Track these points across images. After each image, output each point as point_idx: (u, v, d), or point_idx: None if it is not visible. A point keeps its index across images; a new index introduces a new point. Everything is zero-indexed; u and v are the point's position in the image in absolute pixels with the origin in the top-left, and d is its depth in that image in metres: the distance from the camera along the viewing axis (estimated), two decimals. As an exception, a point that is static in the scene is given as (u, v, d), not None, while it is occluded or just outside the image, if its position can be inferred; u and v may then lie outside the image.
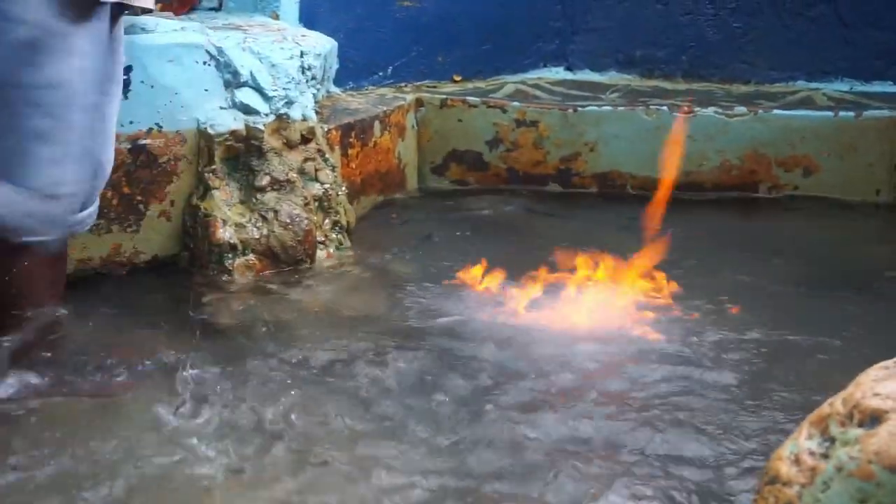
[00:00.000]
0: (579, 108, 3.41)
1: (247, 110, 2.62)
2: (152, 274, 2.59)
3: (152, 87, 2.51)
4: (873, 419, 1.22)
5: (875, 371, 1.32)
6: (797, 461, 1.28)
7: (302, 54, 2.78)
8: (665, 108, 3.38)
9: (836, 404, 1.30)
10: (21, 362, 2.01)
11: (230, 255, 2.55)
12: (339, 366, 2.13)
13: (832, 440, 1.26)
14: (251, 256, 2.57)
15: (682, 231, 2.70)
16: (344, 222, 2.79)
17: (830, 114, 3.36)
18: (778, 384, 2.07)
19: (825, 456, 1.25)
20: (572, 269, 2.57)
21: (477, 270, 2.58)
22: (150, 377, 2.07)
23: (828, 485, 1.22)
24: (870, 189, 3.32)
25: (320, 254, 2.68)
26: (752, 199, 3.33)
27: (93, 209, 2.09)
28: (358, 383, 2.05)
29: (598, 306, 2.39)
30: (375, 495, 1.66)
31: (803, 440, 1.30)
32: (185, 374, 2.07)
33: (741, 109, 3.37)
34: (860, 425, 1.24)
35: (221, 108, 2.60)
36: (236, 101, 2.62)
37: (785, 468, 1.29)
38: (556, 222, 3.12)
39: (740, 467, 1.73)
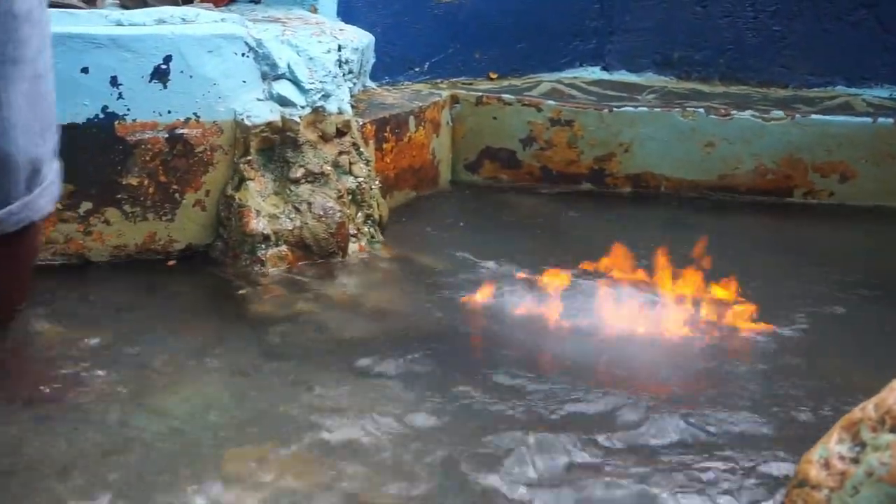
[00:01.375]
0: (615, 109, 3.40)
1: (283, 102, 2.64)
2: (186, 262, 2.61)
3: (191, 77, 2.53)
4: (905, 425, 1.22)
5: (908, 377, 1.32)
6: (827, 465, 1.28)
7: (339, 48, 2.80)
8: (702, 110, 3.37)
9: (867, 409, 1.29)
10: None
11: (263, 246, 2.57)
12: (367, 359, 2.13)
13: (863, 445, 1.26)
14: (284, 248, 2.59)
15: (715, 232, 2.69)
16: (377, 216, 2.80)
17: (869, 120, 3.33)
18: (810, 388, 2.06)
19: (855, 461, 1.25)
20: (603, 267, 2.57)
21: (510, 267, 2.59)
22: (177, 365, 2.09)
23: (857, 489, 1.22)
24: (908, 196, 3.29)
25: (352, 247, 2.70)
26: (787, 204, 3.31)
27: (15, 207, 1.96)
28: (386, 377, 2.06)
29: (626, 302, 2.39)
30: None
31: (833, 444, 1.30)
32: (214, 362, 2.10)
33: (778, 113, 3.34)
34: (892, 431, 1.24)
35: (258, 99, 2.62)
36: (273, 93, 2.63)
37: (814, 472, 1.29)
38: (589, 222, 3.11)
39: (770, 470, 1.73)
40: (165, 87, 2.52)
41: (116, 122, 2.49)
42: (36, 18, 1.97)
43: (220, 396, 1.96)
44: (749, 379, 2.11)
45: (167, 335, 2.23)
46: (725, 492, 1.67)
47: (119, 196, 2.53)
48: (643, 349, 2.23)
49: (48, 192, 2.07)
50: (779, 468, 1.72)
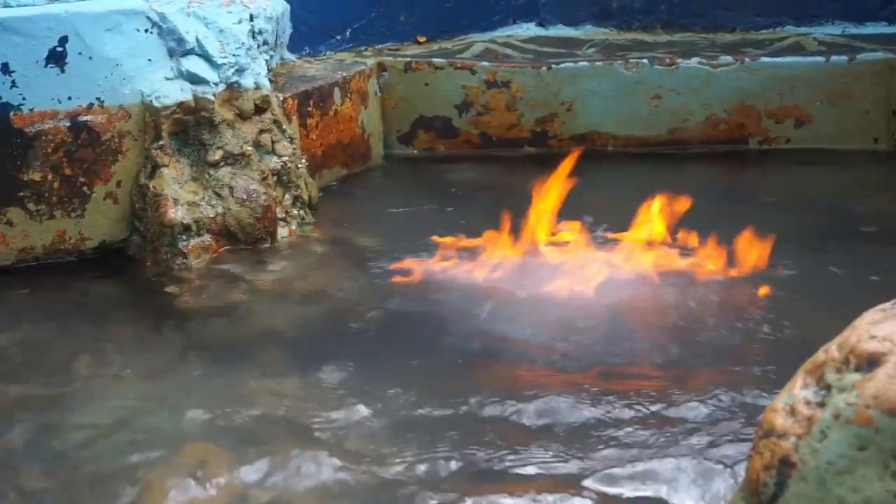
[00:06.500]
0: (553, 66, 3.41)
1: (195, 80, 2.61)
2: (100, 261, 2.59)
3: (90, 58, 2.50)
4: (870, 363, 1.24)
5: (871, 314, 1.33)
6: (792, 412, 1.29)
7: (251, 18, 2.78)
8: (645, 61, 3.39)
9: (831, 350, 1.31)
10: None
11: (184, 237, 2.54)
12: (301, 349, 2.13)
13: (828, 387, 1.27)
14: (207, 237, 2.57)
15: (668, 187, 2.71)
16: (305, 197, 2.79)
17: (821, 59, 3.36)
18: (775, 331, 2.10)
19: (821, 404, 1.26)
20: (546, 233, 2.58)
21: (450, 243, 2.59)
22: (99, 371, 2.07)
23: (825, 434, 1.23)
24: (867, 137, 3.33)
25: (281, 231, 2.68)
26: (743, 154, 3.35)
27: None
28: (322, 367, 2.05)
29: (577, 267, 2.41)
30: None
31: (798, 390, 1.31)
32: (137, 366, 2.08)
33: (726, 59, 3.37)
34: (857, 370, 1.25)
35: (167, 78, 2.59)
36: (183, 70, 2.61)
37: (780, 420, 1.30)
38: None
39: (735, 417, 1.77)
40: (63, 71, 2.48)
41: (12, 113, 2.46)
42: None
43: (143, 405, 1.93)
44: (714, 324, 2.15)
45: (87, 341, 2.20)
46: (690, 447, 1.70)
47: (21, 194, 2.50)
48: (601, 302, 2.28)
49: None
50: (746, 414, 1.75)
